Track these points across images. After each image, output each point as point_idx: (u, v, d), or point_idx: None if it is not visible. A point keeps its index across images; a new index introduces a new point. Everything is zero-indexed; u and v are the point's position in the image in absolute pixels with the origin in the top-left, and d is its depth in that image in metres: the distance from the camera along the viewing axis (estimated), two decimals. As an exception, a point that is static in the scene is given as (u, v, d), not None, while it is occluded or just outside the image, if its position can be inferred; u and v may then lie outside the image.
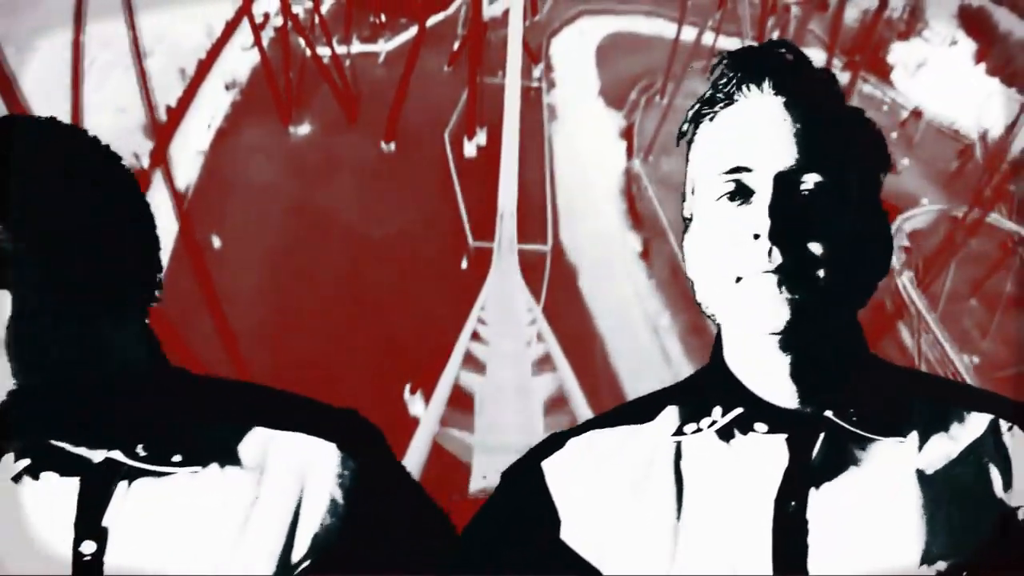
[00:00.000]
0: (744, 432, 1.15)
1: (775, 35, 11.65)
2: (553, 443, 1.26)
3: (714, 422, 1.15)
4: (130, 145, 8.35)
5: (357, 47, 10.82)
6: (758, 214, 1.10)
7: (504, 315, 7.78)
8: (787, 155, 1.12)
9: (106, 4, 8.10)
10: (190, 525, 1.14)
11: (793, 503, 1.12)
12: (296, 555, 1.14)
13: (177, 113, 9.92)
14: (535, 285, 8.29)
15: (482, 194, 9.21)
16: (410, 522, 1.23)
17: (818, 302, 1.10)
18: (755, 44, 1.19)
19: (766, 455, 1.14)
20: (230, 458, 1.17)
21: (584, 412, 6.69)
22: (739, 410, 1.15)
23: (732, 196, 1.12)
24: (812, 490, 1.12)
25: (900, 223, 9.50)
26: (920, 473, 1.12)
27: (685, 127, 1.19)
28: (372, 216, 7.70)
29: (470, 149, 9.45)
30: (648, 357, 7.73)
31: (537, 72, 10.26)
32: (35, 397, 1.09)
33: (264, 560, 1.13)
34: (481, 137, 9.49)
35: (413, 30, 10.78)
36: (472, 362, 6.88)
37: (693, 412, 1.18)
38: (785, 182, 1.11)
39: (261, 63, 10.63)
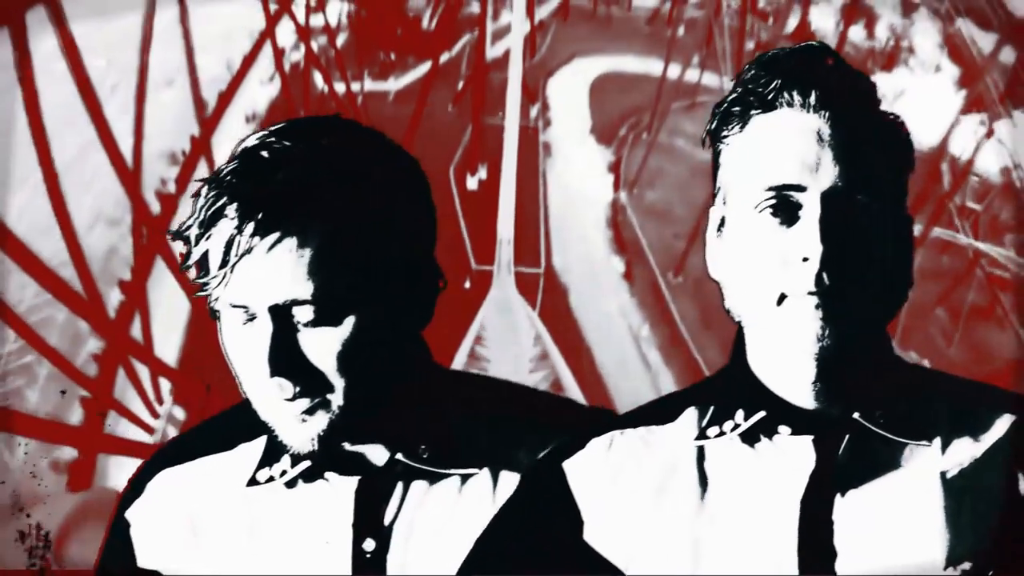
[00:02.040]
0: (768, 436, 1.10)
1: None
2: (574, 444, 1.22)
3: (737, 425, 1.12)
4: (156, 171, 8.80)
5: (368, 84, 11.31)
6: (808, 236, 1.03)
7: (502, 320, 8.50)
8: (833, 174, 1.04)
9: (128, 33, 8.56)
10: (464, 527, 1.13)
11: (819, 504, 1.09)
12: None
13: (201, 142, 10.51)
14: (531, 302, 8.90)
15: (483, 223, 9.56)
16: None
17: (859, 322, 1.06)
18: (795, 48, 1.08)
19: (791, 457, 1.10)
20: (504, 462, 1.12)
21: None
22: (762, 413, 1.10)
23: (774, 211, 1.05)
24: (838, 493, 1.08)
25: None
26: (944, 475, 1.10)
27: (713, 125, 1.10)
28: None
29: (472, 183, 9.87)
30: (630, 364, 8.32)
31: (534, 112, 10.50)
32: (351, 407, 1.05)
33: None
34: (482, 172, 9.92)
35: (421, 69, 11.21)
36: (476, 357, 7.65)
37: (714, 414, 1.14)
38: (833, 203, 1.03)
39: (280, 96, 11.14)
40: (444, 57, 11.16)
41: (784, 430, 1.07)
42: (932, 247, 9.18)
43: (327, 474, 1.10)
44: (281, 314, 1.09)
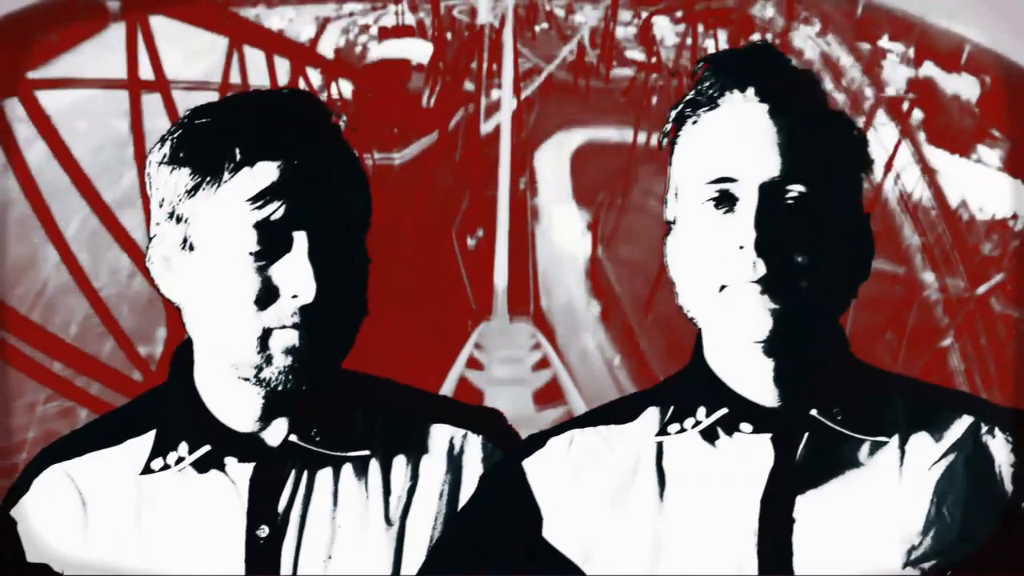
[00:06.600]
0: (729, 433, 1.09)
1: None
2: (534, 443, 1.19)
3: (698, 422, 1.09)
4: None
5: (377, 156, 12.12)
6: (743, 224, 1.04)
7: (499, 328, 10.29)
8: (772, 165, 1.04)
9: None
10: (357, 508, 1.12)
11: (779, 502, 1.06)
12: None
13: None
14: (523, 339, 10.47)
15: (481, 276, 11.03)
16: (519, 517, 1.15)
17: (801, 310, 1.04)
18: (739, 48, 1.11)
19: (751, 455, 1.08)
20: (395, 446, 1.15)
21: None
22: (724, 410, 1.09)
23: (717, 204, 1.06)
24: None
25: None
26: (903, 473, 1.07)
27: (667, 128, 1.11)
28: (397, 292, 9.12)
29: (471, 242, 11.42)
30: (606, 390, 9.83)
31: (523, 182, 12.07)
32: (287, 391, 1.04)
33: (422, 539, 1.12)
34: (480, 233, 11.41)
35: (422, 142, 12.27)
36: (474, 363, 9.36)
37: (675, 413, 1.12)
38: (770, 193, 1.04)
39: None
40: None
41: (745, 427, 1.09)
42: (879, 280, 9.97)
43: (224, 460, 1.13)
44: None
